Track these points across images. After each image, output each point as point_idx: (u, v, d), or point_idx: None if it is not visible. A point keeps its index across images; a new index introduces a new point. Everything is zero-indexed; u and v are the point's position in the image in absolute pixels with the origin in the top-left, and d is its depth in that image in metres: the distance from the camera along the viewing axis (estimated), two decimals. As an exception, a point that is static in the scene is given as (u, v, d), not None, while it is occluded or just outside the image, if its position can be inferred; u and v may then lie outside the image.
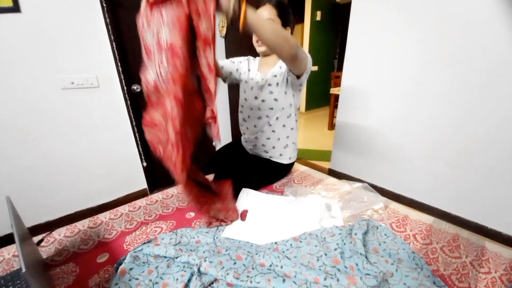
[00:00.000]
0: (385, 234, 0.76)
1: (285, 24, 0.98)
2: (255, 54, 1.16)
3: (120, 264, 0.66)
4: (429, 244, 0.74)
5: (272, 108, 1.06)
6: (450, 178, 1.56)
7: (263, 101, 1.07)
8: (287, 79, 1.03)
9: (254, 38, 1.02)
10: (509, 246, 1.37)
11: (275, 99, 1.04)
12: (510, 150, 1.30)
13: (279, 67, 1.05)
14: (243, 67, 1.18)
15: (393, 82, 1.68)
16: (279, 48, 0.76)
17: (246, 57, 1.21)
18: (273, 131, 1.11)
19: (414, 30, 1.50)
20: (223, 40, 2.16)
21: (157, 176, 2.11)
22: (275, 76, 1.04)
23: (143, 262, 0.68)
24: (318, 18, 4.39)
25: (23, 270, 0.43)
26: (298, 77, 0.98)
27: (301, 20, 4.59)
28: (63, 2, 1.41)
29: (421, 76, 1.54)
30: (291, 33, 1.04)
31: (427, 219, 0.85)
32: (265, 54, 1.08)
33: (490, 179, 1.41)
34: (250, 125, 1.16)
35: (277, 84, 1.03)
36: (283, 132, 1.11)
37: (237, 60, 1.20)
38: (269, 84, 1.05)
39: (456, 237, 0.76)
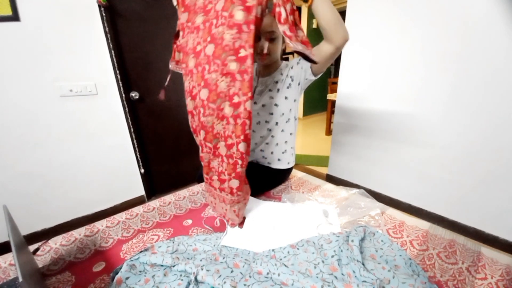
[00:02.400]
0: (382, 241, 0.76)
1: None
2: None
3: (117, 273, 0.66)
4: (426, 250, 0.75)
5: (272, 113, 1.06)
6: (447, 183, 1.57)
7: (263, 106, 1.06)
8: (289, 84, 1.03)
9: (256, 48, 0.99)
10: (507, 251, 1.37)
11: (276, 104, 1.04)
12: (508, 155, 1.32)
13: (280, 74, 1.05)
14: None
15: (389, 88, 1.70)
16: (336, 30, 0.78)
17: None
18: (272, 136, 1.11)
19: (408, 36, 1.53)
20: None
21: (154, 183, 2.10)
22: (276, 82, 1.05)
23: (140, 271, 0.68)
24: (315, 25, 4.47)
25: (20, 279, 0.43)
26: (315, 74, 0.98)
27: (298, 27, 4.64)
28: (62, 10, 1.43)
29: (416, 81, 1.56)
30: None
31: (424, 225, 0.85)
32: (265, 64, 1.07)
33: (487, 184, 1.42)
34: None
35: (278, 90, 1.04)
36: (282, 137, 1.12)
37: None
38: (270, 90, 1.05)
39: (452, 242, 0.76)
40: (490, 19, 1.24)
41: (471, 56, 1.33)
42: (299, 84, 1.03)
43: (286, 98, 1.04)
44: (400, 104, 1.67)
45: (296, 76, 1.02)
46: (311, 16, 4.33)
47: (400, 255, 0.70)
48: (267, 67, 1.08)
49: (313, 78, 0.99)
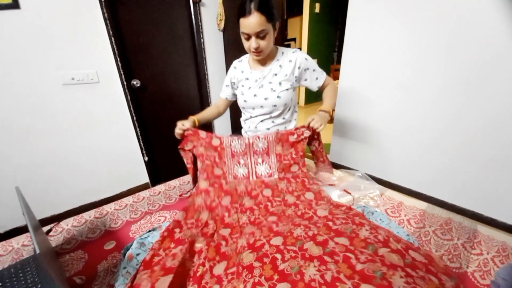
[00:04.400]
0: (380, 219, 0.79)
1: (274, 24, 0.95)
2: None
3: (128, 249, 0.69)
4: (422, 227, 0.77)
5: (275, 105, 1.08)
6: (447, 168, 1.59)
7: (265, 99, 1.08)
8: (292, 83, 1.07)
9: (247, 45, 0.97)
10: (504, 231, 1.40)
11: (278, 96, 1.07)
12: (507, 141, 1.32)
13: (278, 66, 1.06)
14: (236, 76, 1.17)
15: (391, 75, 1.69)
16: None
17: (232, 66, 1.21)
18: (272, 122, 1.14)
19: (412, 23, 1.51)
20: (221, 34, 2.16)
21: (159, 169, 2.14)
22: (276, 74, 1.06)
23: (149, 248, 0.71)
24: (317, 10, 4.36)
25: (38, 251, 0.46)
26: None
27: (300, 12, 4.56)
28: (61, -3, 1.42)
29: (419, 68, 1.55)
30: (278, 26, 0.99)
31: (421, 205, 0.88)
32: (261, 59, 1.07)
33: (487, 169, 1.43)
34: (253, 123, 1.19)
35: (280, 83, 1.06)
36: (282, 126, 1.16)
37: (228, 80, 1.21)
38: (270, 82, 1.07)
39: (448, 221, 0.79)
40: (491, 5, 1.21)
41: (472, 42, 1.31)
42: (300, 81, 1.11)
43: (287, 89, 1.07)
44: (401, 91, 1.66)
45: (301, 78, 1.09)
46: (313, 0, 4.23)
47: (398, 232, 0.72)
48: (263, 59, 1.08)
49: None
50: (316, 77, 1.09)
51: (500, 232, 0.76)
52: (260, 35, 0.91)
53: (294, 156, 0.98)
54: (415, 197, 1.73)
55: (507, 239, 0.72)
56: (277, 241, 0.61)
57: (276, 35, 1.00)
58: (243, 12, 0.87)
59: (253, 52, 0.97)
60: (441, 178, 1.63)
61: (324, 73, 1.11)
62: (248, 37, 0.92)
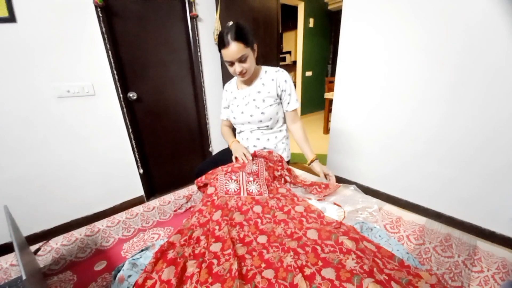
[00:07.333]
0: (379, 236, 0.77)
1: (252, 47, 1.05)
2: None
3: (118, 271, 0.67)
4: (422, 244, 0.76)
5: (261, 121, 1.17)
6: (444, 179, 1.59)
7: (251, 115, 1.17)
8: (275, 99, 1.16)
9: (232, 70, 1.07)
10: (504, 245, 1.39)
11: (262, 113, 1.15)
12: (504, 151, 1.33)
13: (261, 84, 1.16)
14: (227, 98, 1.30)
15: (385, 85, 1.72)
16: None
17: (224, 89, 1.33)
18: (262, 132, 1.23)
19: (405, 34, 1.54)
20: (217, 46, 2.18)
21: (154, 182, 2.10)
22: (259, 92, 1.16)
23: (141, 269, 0.68)
24: (311, 25, 4.48)
25: (24, 277, 0.44)
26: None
27: (294, 27, 4.67)
28: (59, 11, 1.43)
29: (413, 78, 1.58)
30: (256, 47, 1.08)
31: (420, 220, 0.87)
32: (246, 79, 1.16)
33: (484, 179, 1.43)
34: (245, 136, 1.28)
35: (263, 100, 1.15)
36: (272, 134, 1.23)
37: (224, 101, 1.33)
38: (254, 99, 1.17)
39: (448, 237, 0.77)
40: (491, 18, 1.24)
41: (467, 52, 1.33)
42: (281, 98, 1.19)
43: (271, 105, 1.15)
44: (396, 102, 1.69)
45: (280, 96, 1.17)
46: (307, 15, 4.35)
47: (398, 250, 0.71)
48: (248, 79, 1.16)
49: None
50: (288, 102, 1.18)
51: (499, 248, 0.75)
52: (242, 59, 1.02)
53: (278, 185, 1.07)
54: (413, 210, 1.73)
55: (506, 255, 0.72)
56: (268, 274, 0.63)
57: (257, 55, 1.11)
58: (223, 44, 0.99)
59: (239, 75, 1.08)
60: (439, 189, 1.63)
61: (297, 103, 1.19)
62: (232, 64, 1.03)
